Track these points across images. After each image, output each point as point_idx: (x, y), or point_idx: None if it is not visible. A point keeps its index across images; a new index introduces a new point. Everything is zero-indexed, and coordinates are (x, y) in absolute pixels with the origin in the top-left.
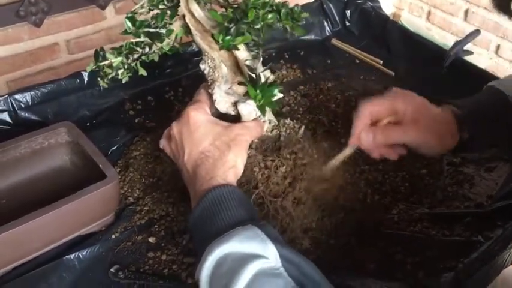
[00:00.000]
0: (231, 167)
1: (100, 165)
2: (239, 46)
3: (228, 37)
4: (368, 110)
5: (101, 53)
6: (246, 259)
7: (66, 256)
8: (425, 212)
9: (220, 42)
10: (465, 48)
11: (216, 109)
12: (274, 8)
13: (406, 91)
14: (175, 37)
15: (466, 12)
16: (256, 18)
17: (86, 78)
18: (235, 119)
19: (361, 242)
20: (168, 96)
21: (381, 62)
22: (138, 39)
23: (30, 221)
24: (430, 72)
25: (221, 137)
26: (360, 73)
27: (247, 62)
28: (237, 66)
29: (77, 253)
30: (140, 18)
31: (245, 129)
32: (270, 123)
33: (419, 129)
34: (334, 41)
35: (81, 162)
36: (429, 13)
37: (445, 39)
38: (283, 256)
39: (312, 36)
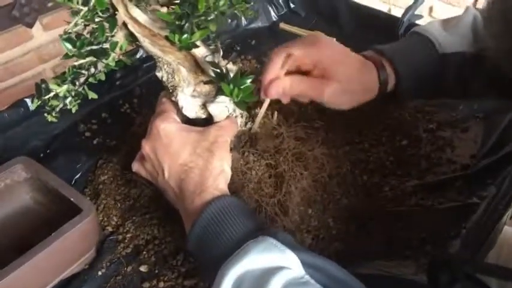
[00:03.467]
0: (219, 173)
1: (71, 199)
2: (197, 43)
3: (185, 35)
4: (280, 58)
5: (43, 85)
6: (268, 273)
7: None
8: (416, 184)
9: (178, 43)
10: (416, 12)
11: (184, 116)
12: None
13: (325, 39)
14: (120, 49)
15: None
16: (207, 9)
17: (30, 105)
18: (207, 121)
19: (362, 226)
20: (123, 110)
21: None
22: (81, 61)
23: (6, 277)
24: (385, 41)
25: (200, 143)
26: None
27: (208, 58)
28: (196, 65)
29: None
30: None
31: (222, 129)
32: (242, 117)
33: (329, 84)
34: (283, 25)
35: (45, 199)
36: None
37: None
38: (305, 262)
39: (259, 24)
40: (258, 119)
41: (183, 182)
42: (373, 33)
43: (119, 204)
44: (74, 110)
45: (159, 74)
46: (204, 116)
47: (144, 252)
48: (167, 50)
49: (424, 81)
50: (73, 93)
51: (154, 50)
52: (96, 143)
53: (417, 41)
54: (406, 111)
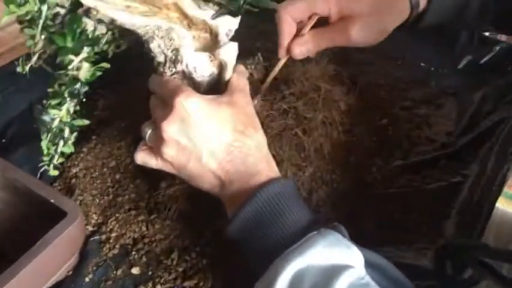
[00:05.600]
0: (267, 152)
1: (52, 200)
2: None
3: None
4: (289, 16)
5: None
6: (333, 271)
7: None
8: (401, 164)
9: None
10: None
11: (196, 82)
12: None
13: None
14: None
15: None
16: None
17: None
18: (219, 79)
19: (356, 209)
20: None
21: None
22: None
23: None
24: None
25: (237, 117)
26: None
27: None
28: (183, 18)
29: None
30: None
31: (243, 93)
32: None
33: (353, 22)
34: None
35: (15, 199)
36: None
37: None
38: (367, 260)
39: None
40: (270, 78)
41: (230, 164)
42: None
43: (97, 200)
44: None
45: (153, 45)
46: (216, 72)
47: (134, 253)
48: (149, 15)
49: (452, 7)
50: None
51: (136, 20)
52: None
53: None
54: (381, 89)
